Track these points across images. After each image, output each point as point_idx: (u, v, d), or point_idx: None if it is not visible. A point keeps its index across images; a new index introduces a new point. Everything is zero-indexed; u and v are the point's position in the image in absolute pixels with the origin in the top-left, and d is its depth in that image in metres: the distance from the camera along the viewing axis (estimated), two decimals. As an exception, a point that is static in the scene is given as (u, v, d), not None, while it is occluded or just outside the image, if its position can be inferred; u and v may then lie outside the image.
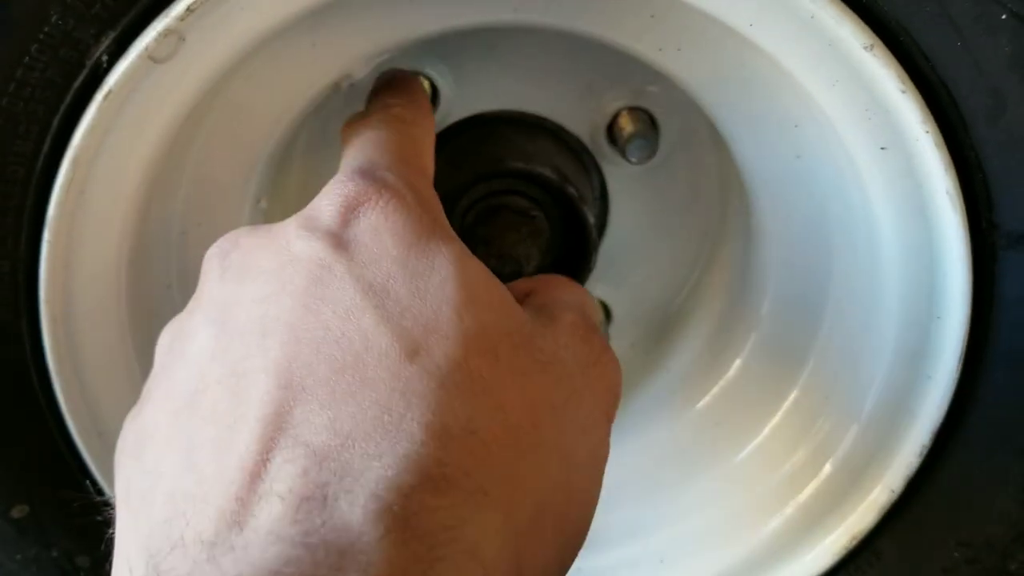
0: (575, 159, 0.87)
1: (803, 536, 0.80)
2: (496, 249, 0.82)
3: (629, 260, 0.93)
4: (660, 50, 0.72)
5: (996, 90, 0.62)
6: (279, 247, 0.53)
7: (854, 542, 0.78)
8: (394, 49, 0.75)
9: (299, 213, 0.56)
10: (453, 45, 0.80)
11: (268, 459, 0.45)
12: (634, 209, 0.90)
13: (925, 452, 0.74)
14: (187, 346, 0.53)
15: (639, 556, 0.88)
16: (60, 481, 0.79)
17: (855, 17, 0.61)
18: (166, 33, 0.62)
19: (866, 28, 0.61)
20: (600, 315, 0.58)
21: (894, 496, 0.76)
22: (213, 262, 0.56)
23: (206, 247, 0.80)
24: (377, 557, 0.42)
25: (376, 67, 0.76)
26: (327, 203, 0.55)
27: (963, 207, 0.65)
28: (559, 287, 0.64)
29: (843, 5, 0.61)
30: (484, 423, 0.47)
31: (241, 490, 0.44)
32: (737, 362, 0.89)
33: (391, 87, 0.73)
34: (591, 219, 0.81)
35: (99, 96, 0.64)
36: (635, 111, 0.84)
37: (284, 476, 0.44)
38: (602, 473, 0.55)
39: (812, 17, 0.61)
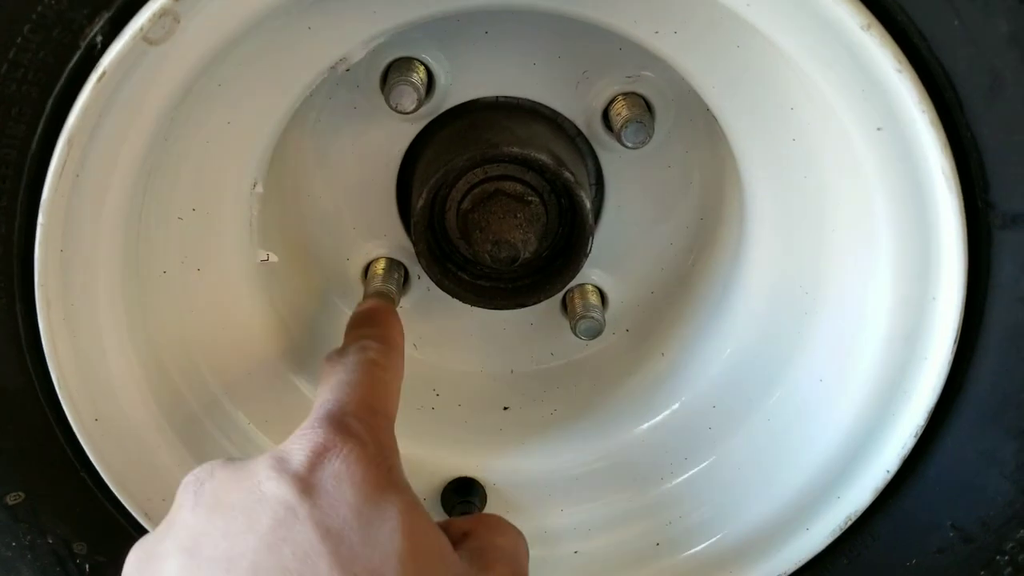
0: (571, 144, 0.87)
1: (800, 516, 0.80)
2: (492, 234, 0.82)
3: (625, 245, 0.93)
4: (656, 33, 0.72)
5: (993, 69, 0.62)
6: (251, 485, 0.60)
7: (850, 522, 0.78)
8: (391, 31, 0.74)
9: (272, 453, 0.62)
10: (449, 32, 0.80)
11: None
12: (630, 194, 0.90)
13: (920, 432, 0.74)
14: (158, 571, 0.59)
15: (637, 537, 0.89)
16: (55, 468, 0.78)
17: (852, -5, 0.61)
18: (161, 14, 0.62)
19: (863, 7, 0.61)
20: (527, 564, 0.67)
21: (889, 476, 0.76)
22: (189, 490, 0.62)
23: (202, 233, 0.80)
24: None
25: (372, 50, 0.76)
26: (298, 448, 0.61)
27: (958, 187, 0.66)
28: (496, 531, 0.68)
29: (840, -16, 0.61)
30: None
31: None
32: (732, 347, 0.89)
33: (370, 321, 0.79)
34: (587, 204, 0.81)
35: (93, 78, 0.64)
36: (630, 96, 0.83)
37: None
38: None
39: (809, -4, 0.61)
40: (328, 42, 0.73)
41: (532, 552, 0.70)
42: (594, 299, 0.94)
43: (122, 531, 0.81)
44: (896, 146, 0.66)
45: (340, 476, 0.59)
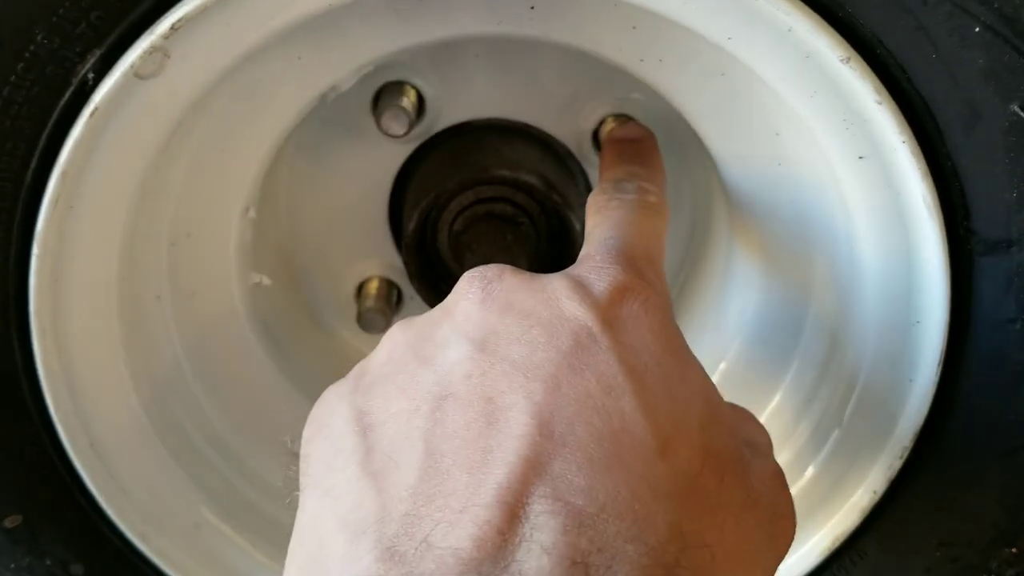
0: (561, 166, 0.88)
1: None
2: (482, 256, 0.83)
3: (615, 265, 0.94)
4: (641, 61, 0.73)
5: (971, 101, 0.63)
6: (547, 298, 0.55)
7: (837, 543, 0.79)
8: (381, 60, 0.75)
9: (566, 273, 0.58)
10: (440, 56, 0.81)
11: (526, 502, 0.46)
12: (619, 214, 0.91)
13: (906, 454, 0.75)
14: (436, 352, 0.54)
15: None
16: (53, 491, 0.79)
17: (831, 30, 0.62)
18: (151, 50, 0.63)
19: (842, 41, 0.62)
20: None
21: (876, 497, 0.77)
22: (475, 284, 0.57)
23: (195, 258, 0.82)
24: None
25: (362, 78, 0.77)
26: (596, 278, 0.57)
27: (940, 215, 0.66)
28: (757, 426, 0.66)
29: (819, 18, 0.62)
30: (713, 539, 0.49)
31: (501, 523, 0.45)
32: (721, 366, 0.90)
33: (642, 159, 0.75)
34: (577, 225, 0.82)
35: (86, 113, 0.65)
36: (619, 118, 0.84)
37: (546, 527, 0.45)
38: None
39: (789, 30, 0.62)
40: (318, 71, 0.74)
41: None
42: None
43: (119, 553, 0.82)
44: (878, 174, 0.67)
45: (640, 319, 0.55)
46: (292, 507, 0.89)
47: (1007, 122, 0.63)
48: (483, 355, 0.52)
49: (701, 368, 0.57)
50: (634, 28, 0.71)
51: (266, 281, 0.87)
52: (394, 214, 0.91)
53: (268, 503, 0.89)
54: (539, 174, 0.83)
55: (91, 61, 0.64)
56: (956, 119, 0.63)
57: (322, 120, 0.85)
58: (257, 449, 0.89)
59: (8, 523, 0.80)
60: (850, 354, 0.76)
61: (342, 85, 0.76)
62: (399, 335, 0.58)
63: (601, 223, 0.65)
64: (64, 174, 0.67)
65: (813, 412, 0.81)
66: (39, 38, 0.63)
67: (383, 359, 0.57)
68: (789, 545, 0.59)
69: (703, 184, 0.90)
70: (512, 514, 0.46)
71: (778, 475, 0.60)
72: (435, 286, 0.87)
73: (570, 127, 0.86)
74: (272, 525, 0.89)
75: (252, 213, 0.83)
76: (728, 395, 0.88)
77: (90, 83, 0.64)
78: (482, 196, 0.84)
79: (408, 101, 0.81)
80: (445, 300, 0.58)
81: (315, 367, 0.94)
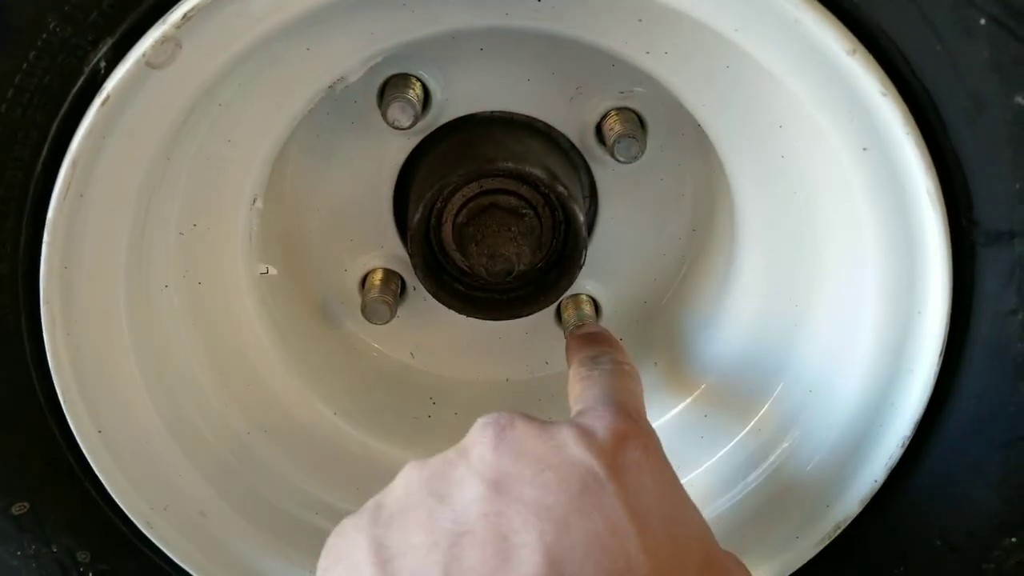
0: (565, 158, 0.88)
1: (789, 525, 0.82)
2: (487, 248, 0.83)
3: (618, 257, 0.94)
4: (647, 53, 0.74)
5: (975, 92, 0.63)
6: (556, 445, 0.60)
7: (838, 531, 0.80)
8: (388, 52, 0.76)
9: (574, 421, 0.63)
10: (446, 49, 0.81)
11: None
12: (623, 207, 0.92)
13: (907, 443, 0.76)
14: (452, 491, 0.59)
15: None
16: (60, 479, 0.80)
17: (838, 22, 0.62)
18: (163, 40, 0.64)
19: (848, 33, 0.63)
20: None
21: (877, 486, 0.78)
22: (489, 430, 0.62)
23: (203, 247, 0.82)
24: None
25: (368, 70, 0.77)
26: (601, 426, 0.62)
27: (943, 206, 0.67)
28: (744, 572, 0.68)
29: (826, 11, 0.62)
30: None
31: None
32: (724, 357, 0.90)
33: (609, 344, 0.81)
34: (581, 217, 0.83)
35: (97, 102, 0.65)
36: (623, 111, 0.85)
37: None
38: None
39: (796, 22, 0.62)
40: (326, 63, 0.74)
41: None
42: (588, 309, 0.95)
43: (125, 540, 0.83)
44: (882, 166, 0.68)
45: (641, 465, 0.60)
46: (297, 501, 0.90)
47: (1011, 114, 0.64)
48: (498, 496, 0.57)
49: (696, 510, 0.62)
50: (640, 20, 0.71)
51: (272, 270, 0.88)
52: (399, 206, 0.91)
53: (272, 491, 0.89)
54: (543, 166, 0.83)
55: (103, 50, 0.64)
56: (960, 111, 0.64)
57: (329, 112, 0.85)
58: (262, 436, 0.89)
59: (15, 510, 0.80)
60: (852, 345, 0.77)
61: (350, 76, 0.77)
62: (414, 473, 0.62)
63: (589, 387, 0.71)
64: (75, 162, 0.67)
65: (815, 401, 0.82)
66: (51, 26, 0.63)
67: (400, 494, 0.61)
68: None
69: (705, 177, 0.91)
70: None
71: None
72: (439, 277, 0.87)
73: (574, 120, 0.86)
74: (276, 514, 0.89)
75: (259, 204, 0.83)
76: (730, 382, 0.89)
77: (102, 72, 0.65)
78: (486, 188, 0.85)
79: (414, 93, 0.82)
80: (460, 443, 0.63)
81: (319, 356, 0.95)
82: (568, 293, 0.89)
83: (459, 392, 1.00)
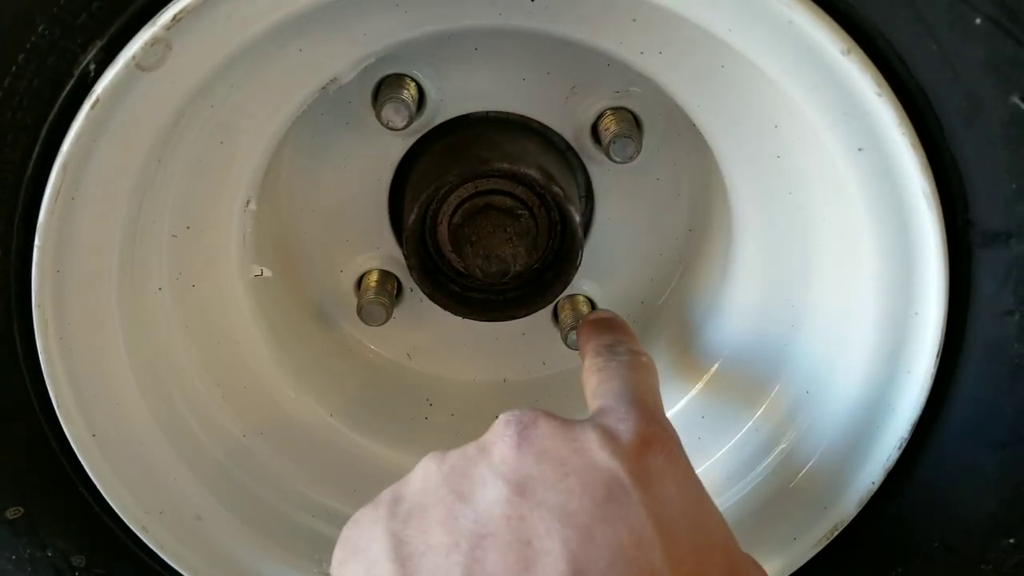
0: (560, 159, 0.88)
1: (787, 527, 0.82)
2: (483, 248, 0.83)
3: (615, 257, 0.94)
4: (642, 53, 0.73)
5: (971, 93, 0.63)
6: (580, 447, 0.59)
7: (836, 532, 0.79)
8: (381, 52, 0.75)
9: (597, 421, 0.62)
10: (440, 49, 0.81)
11: None
12: (619, 207, 0.91)
13: (904, 445, 0.76)
14: (474, 490, 0.58)
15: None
16: (54, 483, 0.80)
17: (832, 22, 0.62)
18: (153, 42, 0.63)
19: (843, 33, 0.62)
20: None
21: (875, 488, 0.77)
22: (511, 428, 0.61)
23: (196, 250, 0.82)
24: None
25: (363, 70, 0.77)
26: (625, 428, 0.61)
27: (939, 207, 0.67)
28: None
29: (820, 10, 0.62)
30: None
31: None
32: (720, 357, 0.90)
33: (624, 332, 0.79)
34: (577, 217, 0.82)
35: (87, 104, 0.65)
36: (619, 111, 0.84)
37: None
38: None
39: (790, 22, 0.62)
40: (319, 64, 0.74)
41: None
42: (585, 309, 0.95)
43: (120, 544, 0.82)
44: (878, 166, 0.67)
45: (665, 472, 0.59)
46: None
47: (1007, 114, 0.63)
48: (521, 499, 0.56)
49: (717, 512, 0.61)
50: (634, 20, 0.71)
51: (266, 272, 0.87)
52: (394, 207, 0.91)
53: (269, 494, 0.89)
54: (539, 166, 0.83)
55: (92, 52, 0.64)
56: (956, 111, 0.64)
57: (323, 112, 0.85)
58: (258, 439, 0.89)
59: (10, 514, 0.80)
60: (849, 346, 0.77)
61: (343, 77, 0.76)
62: (433, 466, 0.61)
63: (607, 379, 0.69)
64: (65, 165, 0.67)
65: (812, 403, 0.81)
66: (40, 29, 0.63)
67: (419, 487, 0.60)
68: None
69: (701, 177, 0.90)
70: None
71: None
72: (435, 279, 0.87)
73: (570, 120, 0.86)
74: (273, 516, 0.89)
75: (253, 205, 0.83)
76: (726, 383, 0.89)
77: (92, 74, 0.65)
78: (482, 188, 0.84)
79: (408, 94, 0.81)
80: (480, 439, 0.62)
81: (315, 358, 0.95)
82: (565, 294, 0.89)
83: (456, 393, 0.99)
